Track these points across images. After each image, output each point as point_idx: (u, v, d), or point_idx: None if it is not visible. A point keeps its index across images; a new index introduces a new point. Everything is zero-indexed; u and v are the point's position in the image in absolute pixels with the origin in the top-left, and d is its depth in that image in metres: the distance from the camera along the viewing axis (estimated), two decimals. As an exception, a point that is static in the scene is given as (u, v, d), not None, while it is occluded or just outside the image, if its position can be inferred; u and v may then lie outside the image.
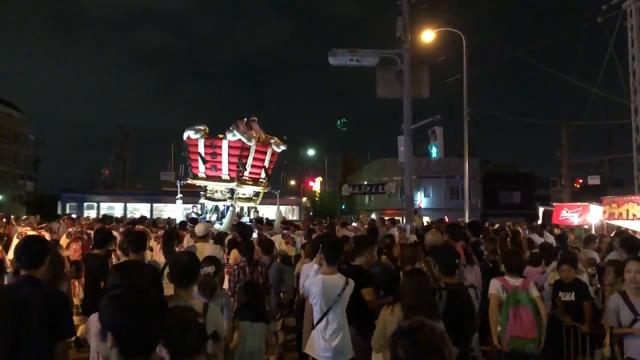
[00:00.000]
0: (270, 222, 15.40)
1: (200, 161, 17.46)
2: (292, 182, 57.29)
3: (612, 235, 9.57)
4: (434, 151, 11.57)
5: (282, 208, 29.91)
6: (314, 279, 4.83)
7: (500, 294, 4.84)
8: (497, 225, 14.33)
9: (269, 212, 20.26)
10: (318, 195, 56.32)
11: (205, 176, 17.49)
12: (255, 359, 4.61)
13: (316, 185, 60.13)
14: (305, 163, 58.13)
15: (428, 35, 17.06)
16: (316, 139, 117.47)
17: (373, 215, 32.67)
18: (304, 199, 58.16)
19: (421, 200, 44.62)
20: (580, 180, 40.65)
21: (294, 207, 34.80)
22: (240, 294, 4.94)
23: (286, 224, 13.58)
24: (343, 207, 46.12)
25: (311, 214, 46.66)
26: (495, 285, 4.94)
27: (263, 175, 18.14)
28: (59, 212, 25.96)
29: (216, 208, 17.61)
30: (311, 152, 57.31)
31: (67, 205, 28.46)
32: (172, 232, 8.46)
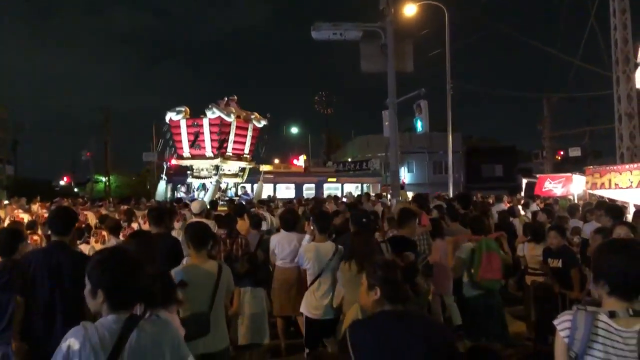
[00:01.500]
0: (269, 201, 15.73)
1: (184, 142, 17.80)
2: (276, 161, 57.07)
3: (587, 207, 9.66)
4: (419, 125, 11.57)
5: (359, 186, 30.27)
6: (308, 246, 5.40)
7: (467, 258, 5.59)
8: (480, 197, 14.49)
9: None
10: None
11: (190, 156, 17.97)
12: (258, 320, 5.35)
13: (300, 163, 59.92)
14: (289, 141, 57.95)
15: (410, 9, 16.91)
16: (299, 116, 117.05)
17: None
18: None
19: (405, 175, 44.75)
20: (562, 153, 41.04)
21: (376, 184, 34.53)
22: (240, 264, 5.46)
23: (262, 203, 14.08)
24: (328, 184, 46.04)
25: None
26: (466, 249, 5.64)
27: (246, 150, 18.51)
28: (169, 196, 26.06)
29: (204, 186, 17.94)
30: (294, 130, 57.12)
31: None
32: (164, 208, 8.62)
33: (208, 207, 10.03)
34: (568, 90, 27.62)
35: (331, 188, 27.34)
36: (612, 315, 1.99)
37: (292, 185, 30.10)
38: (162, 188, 18.98)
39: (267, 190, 27.11)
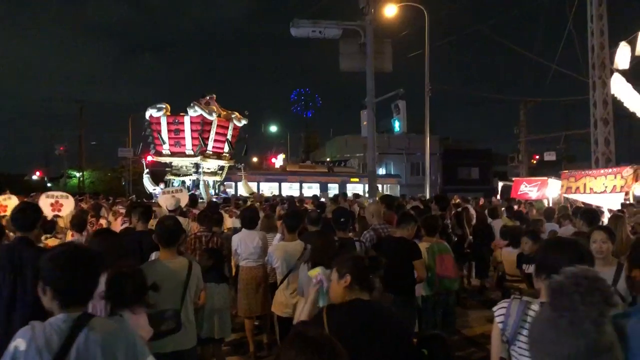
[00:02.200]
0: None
1: (163, 139, 17.95)
2: (255, 159, 56.73)
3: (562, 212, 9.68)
4: (397, 125, 11.45)
5: (380, 187, 30.17)
6: (277, 245, 5.48)
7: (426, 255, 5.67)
8: (457, 200, 14.49)
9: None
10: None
11: (169, 152, 18.06)
12: (222, 316, 5.42)
13: (278, 162, 59.69)
14: (268, 140, 57.69)
15: (390, 10, 16.85)
16: (278, 114, 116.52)
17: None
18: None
19: (383, 176, 44.86)
20: (537, 156, 41.54)
21: (394, 185, 34.80)
22: (204, 258, 5.39)
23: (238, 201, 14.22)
24: (305, 183, 45.90)
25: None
26: (422, 248, 5.68)
27: (226, 149, 18.72)
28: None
29: (183, 183, 18.02)
30: (273, 128, 56.85)
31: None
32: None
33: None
34: (545, 95, 27.95)
35: (356, 188, 27.64)
36: (543, 305, 2.03)
37: (317, 185, 30.56)
38: (148, 183, 19.06)
39: (288, 190, 28.14)
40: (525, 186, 14.43)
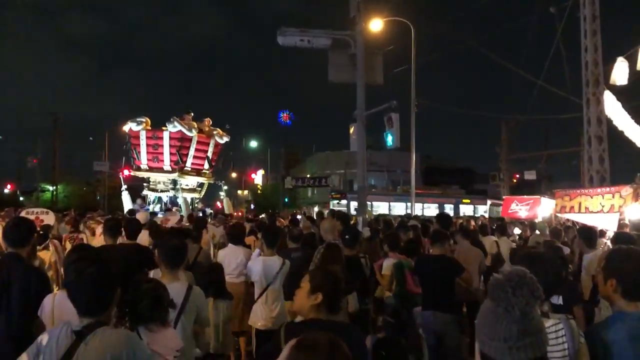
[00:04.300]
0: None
1: (142, 153, 17.85)
2: (234, 175, 55.95)
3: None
4: (389, 139, 10.91)
5: (468, 207, 32.96)
6: (256, 260, 5.64)
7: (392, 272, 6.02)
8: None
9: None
10: (260, 188, 55.31)
11: (147, 167, 17.67)
12: (220, 331, 5.28)
13: (258, 178, 59.08)
14: (247, 155, 57.08)
15: (376, 24, 16.49)
16: (258, 130, 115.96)
17: (316, 208, 32.10)
18: (245, 191, 57.19)
19: (364, 193, 44.44)
20: (517, 175, 41.51)
21: (481, 206, 35.21)
22: (204, 274, 5.39)
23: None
24: (286, 200, 45.31)
25: (252, 206, 45.70)
26: (388, 264, 6.10)
27: (207, 166, 18.43)
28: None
29: (159, 199, 17.93)
30: (253, 144, 56.23)
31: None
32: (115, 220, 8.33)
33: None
34: (528, 113, 27.86)
35: (467, 208, 31.08)
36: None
37: (434, 205, 32.62)
38: (127, 199, 18.55)
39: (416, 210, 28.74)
40: (517, 205, 13.98)
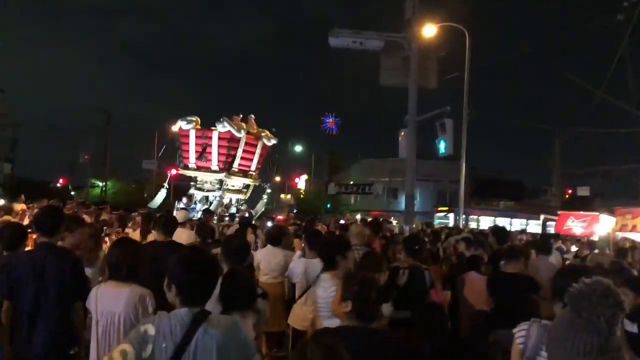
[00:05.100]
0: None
1: (190, 152, 17.66)
2: (277, 179, 56.17)
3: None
4: (442, 146, 10.47)
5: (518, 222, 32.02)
6: (298, 262, 5.67)
7: None
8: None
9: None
10: (303, 192, 55.31)
11: (195, 167, 17.68)
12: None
13: (301, 182, 59.13)
14: (291, 159, 57.23)
15: (430, 30, 16.06)
16: (304, 135, 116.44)
17: (358, 216, 31.71)
18: (289, 195, 57.34)
19: (408, 203, 43.74)
20: (570, 191, 39.87)
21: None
22: None
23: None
24: (328, 206, 45.08)
25: (295, 210, 45.70)
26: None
27: (253, 167, 18.39)
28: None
29: (206, 199, 17.73)
30: (298, 148, 56.32)
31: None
32: (151, 215, 8.71)
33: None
34: (583, 126, 26.62)
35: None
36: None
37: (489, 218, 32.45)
38: (162, 197, 18.63)
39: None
40: (573, 221, 13.29)
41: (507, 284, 5.12)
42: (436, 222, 28.81)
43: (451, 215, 31.94)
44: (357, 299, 2.66)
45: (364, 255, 5.24)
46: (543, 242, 7.65)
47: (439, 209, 35.03)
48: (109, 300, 3.23)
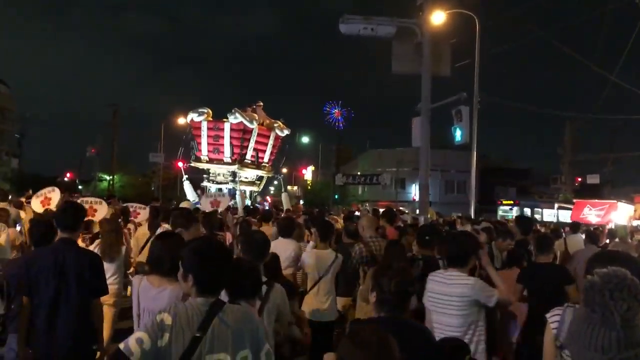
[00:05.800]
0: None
1: (203, 144, 17.62)
2: (284, 170, 56.05)
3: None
4: (458, 134, 10.24)
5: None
6: (309, 253, 5.67)
7: None
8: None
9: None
10: (310, 183, 55.17)
11: (207, 159, 17.53)
12: None
13: (308, 173, 58.99)
14: (298, 151, 57.04)
15: (439, 17, 15.75)
16: (311, 125, 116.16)
17: (366, 205, 31.54)
18: (295, 187, 57.26)
19: (415, 193, 43.46)
20: (579, 179, 39.44)
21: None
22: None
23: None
24: (336, 197, 44.93)
25: (302, 202, 45.58)
26: None
27: (266, 158, 18.22)
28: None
29: (219, 191, 17.57)
30: (305, 139, 56.10)
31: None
32: (158, 208, 8.84)
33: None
34: (593, 112, 26.11)
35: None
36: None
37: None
38: (189, 189, 18.47)
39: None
40: (590, 209, 12.99)
41: (540, 274, 5.03)
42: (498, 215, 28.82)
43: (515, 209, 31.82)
44: (380, 290, 2.70)
45: (389, 245, 5.32)
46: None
47: (504, 202, 34.74)
48: (150, 299, 3.23)
